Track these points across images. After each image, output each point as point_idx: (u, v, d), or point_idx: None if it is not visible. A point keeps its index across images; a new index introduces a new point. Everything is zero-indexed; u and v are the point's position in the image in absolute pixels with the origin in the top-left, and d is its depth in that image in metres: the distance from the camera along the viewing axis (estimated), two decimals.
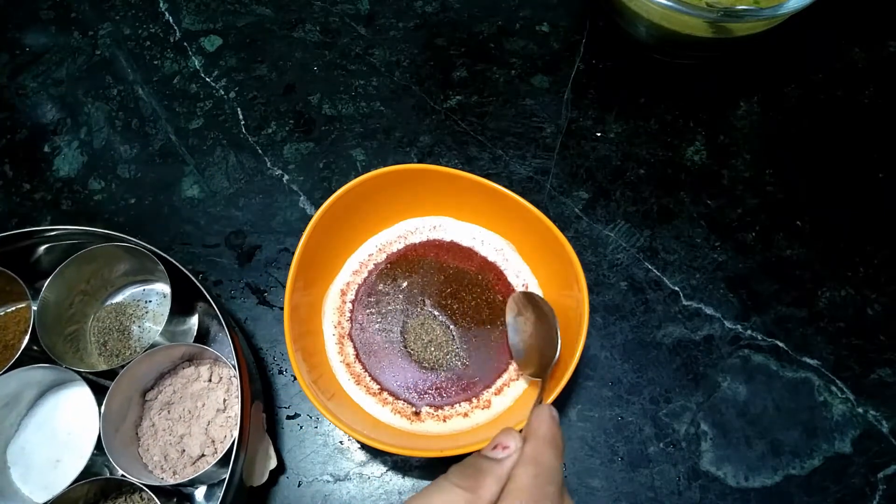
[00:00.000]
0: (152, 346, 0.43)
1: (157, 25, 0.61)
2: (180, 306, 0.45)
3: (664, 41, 0.54)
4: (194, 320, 0.47)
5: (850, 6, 0.61)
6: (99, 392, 0.41)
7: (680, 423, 0.47)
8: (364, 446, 0.46)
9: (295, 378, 0.48)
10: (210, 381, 0.45)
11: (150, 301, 0.49)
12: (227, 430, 0.44)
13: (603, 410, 0.47)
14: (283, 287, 0.42)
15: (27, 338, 0.42)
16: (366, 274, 0.48)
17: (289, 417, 0.47)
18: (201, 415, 0.44)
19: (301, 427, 0.47)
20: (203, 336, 0.47)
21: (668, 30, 0.51)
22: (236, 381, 0.40)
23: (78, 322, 0.47)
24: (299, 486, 0.45)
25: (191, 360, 0.46)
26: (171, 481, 0.42)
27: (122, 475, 0.39)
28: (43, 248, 0.46)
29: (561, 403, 0.47)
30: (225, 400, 0.44)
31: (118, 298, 0.49)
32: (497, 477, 0.29)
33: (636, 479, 0.45)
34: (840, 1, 0.60)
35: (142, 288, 0.50)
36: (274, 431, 0.47)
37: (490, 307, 0.47)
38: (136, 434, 0.44)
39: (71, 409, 0.45)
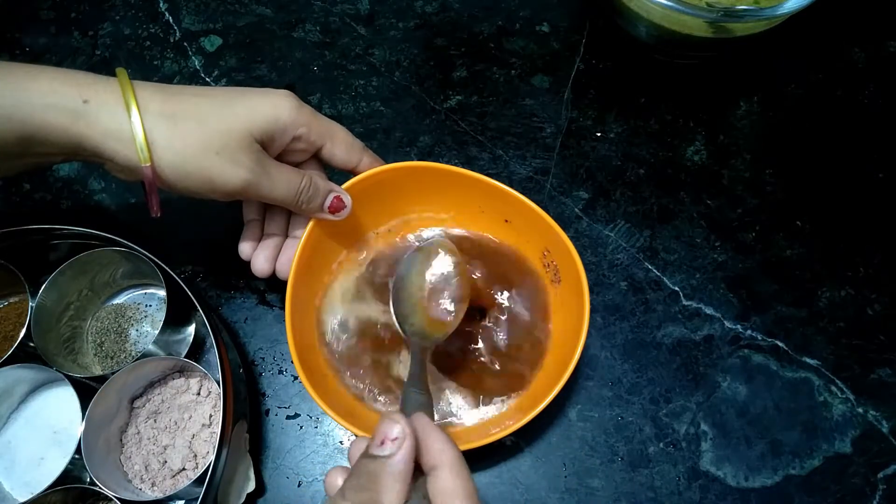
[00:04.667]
0: (143, 355, 0.42)
1: (157, 25, 0.61)
2: (177, 315, 0.45)
3: (664, 41, 0.54)
4: (191, 329, 0.47)
5: (850, 6, 0.61)
6: (89, 394, 0.41)
7: (680, 423, 0.47)
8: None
9: (295, 378, 0.48)
10: (199, 394, 0.45)
11: (150, 305, 0.49)
12: (210, 446, 0.43)
13: (603, 410, 0.47)
14: (284, 286, 0.42)
15: (24, 331, 0.42)
16: (367, 271, 0.48)
17: (289, 417, 0.47)
18: (187, 427, 0.44)
19: (301, 427, 0.47)
20: (199, 345, 0.47)
21: (668, 30, 0.51)
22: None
23: (77, 320, 0.47)
24: (299, 486, 0.45)
25: (182, 370, 0.46)
26: (149, 493, 0.42)
27: (98, 485, 0.39)
28: (45, 245, 0.46)
29: (561, 403, 0.47)
30: (211, 416, 0.44)
31: (119, 300, 0.49)
32: (393, 477, 0.26)
33: (636, 479, 0.45)
34: (840, 1, 0.60)
35: (143, 291, 0.50)
36: (273, 432, 0.47)
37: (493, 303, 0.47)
38: (121, 440, 0.44)
39: (60, 408, 0.45)
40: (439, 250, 0.42)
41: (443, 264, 0.42)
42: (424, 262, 0.42)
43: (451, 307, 0.41)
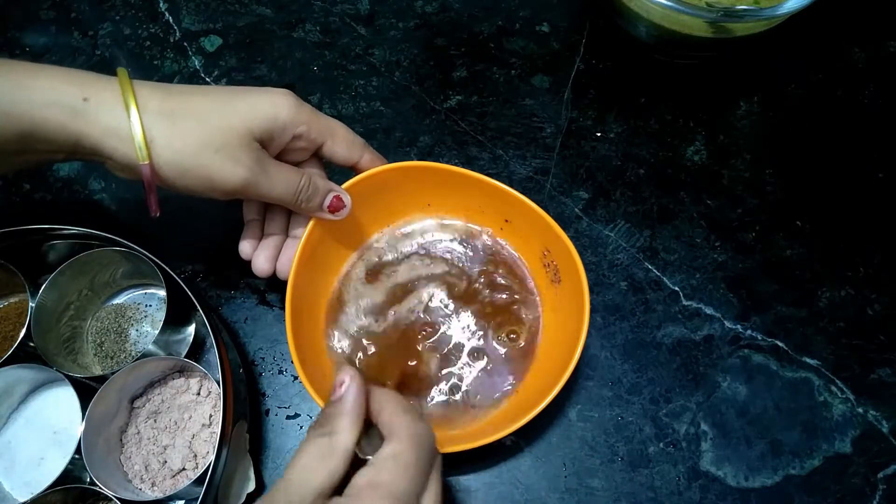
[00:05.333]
0: (143, 355, 0.42)
1: (157, 25, 0.61)
2: (177, 315, 0.45)
3: (664, 41, 0.54)
4: (191, 329, 0.47)
5: (850, 6, 0.61)
6: (89, 394, 0.41)
7: (680, 423, 0.47)
8: None
9: (295, 378, 0.48)
10: (198, 394, 0.45)
11: (150, 305, 0.49)
12: (210, 446, 0.43)
13: (603, 410, 0.47)
14: (284, 286, 0.42)
15: (24, 331, 0.42)
16: (368, 272, 0.48)
17: (289, 417, 0.47)
18: (187, 427, 0.44)
19: (301, 427, 0.47)
20: (199, 345, 0.47)
21: (668, 30, 0.51)
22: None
23: (77, 320, 0.47)
24: None
25: (182, 370, 0.46)
26: (149, 493, 0.42)
27: (98, 485, 0.39)
28: (45, 245, 0.46)
29: (561, 403, 0.47)
30: (211, 415, 0.44)
31: (119, 300, 0.49)
32: (344, 413, 0.31)
33: (636, 479, 0.45)
34: (840, 1, 0.60)
35: (143, 291, 0.50)
36: (273, 432, 0.47)
37: (494, 303, 0.47)
38: (121, 440, 0.44)
39: (60, 408, 0.45)
40: None
41: None
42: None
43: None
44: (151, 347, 0.43)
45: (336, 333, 0.46)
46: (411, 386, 0.45)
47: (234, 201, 0.41)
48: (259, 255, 0.43)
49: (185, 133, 0.36)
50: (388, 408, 0.33)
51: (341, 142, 0.42)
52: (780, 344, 0.49)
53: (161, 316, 0.48)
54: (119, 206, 0.54)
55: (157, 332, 0.43)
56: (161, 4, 0.62)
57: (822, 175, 0.55)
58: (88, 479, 0.40)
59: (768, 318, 0.50)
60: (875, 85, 0.58)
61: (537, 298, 0.47)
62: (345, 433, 0.31)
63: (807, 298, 0.50)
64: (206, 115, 0.37)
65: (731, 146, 0.56)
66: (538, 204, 0.43)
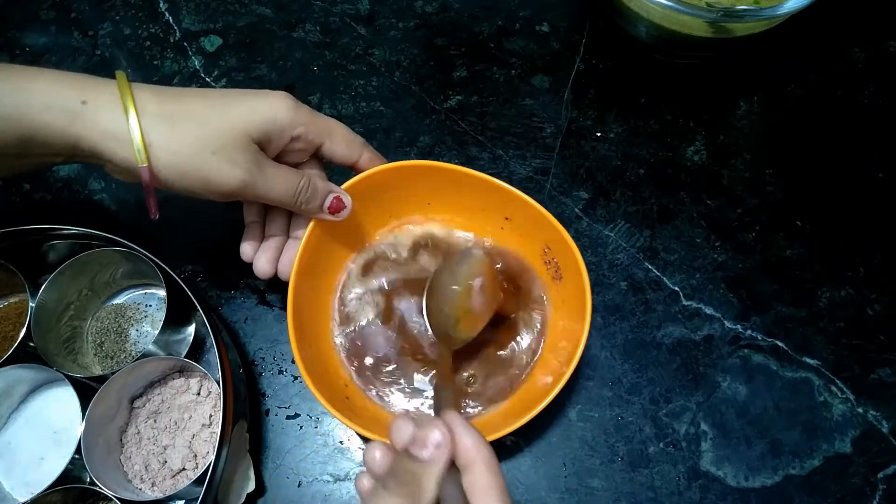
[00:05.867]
0: (143, 355, 0.42)
1: (157, 25, 0.61)
2: (177, 315, 0.45)
3: (664, 41, 0.54)
4: (191, 329, 0.47)
5: (850, 6, 0.61)
6: (89, 394, 0.41)
7: (680, 423, 0.47)
8: (365, 444, 0.46)
9: (295, 378, 0.48)
10: (199, 394, 0.45)
11: (150, 305, 0.49)
12: (210, 446, 0.43)
13: (603, 410, 0.47)
14: (284, 286, 0.42)
15: (24, 331, 0.42)
16: (368, 272, 0.48)
17: (289, 417, 0.47)
18: (187, 427, 0.44)
19: (301, 427, 0.47)
20: (199, 345, 0.47)
21: (668, 30, 0.51)
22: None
23: (77, 320, 0.47)
24: (299, 486, 0.45)
25: (182, 370, 0.46)
26: (149, 493, 0.42)
27: (98, 485, 0.39)
28: (45, 245, 0.46)
29: (561, 403, 0.47)
30: (211, 416, 0.44)
31: (119, 300, 0.49)
32: (436, 478, 0.28)
33: (636, 479, 0.45)
34: (840, 1, 0.60)
35: (143, 291, 0.50)
36: (273, 432, 0.47)
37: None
38: (121, 440, 0.44)
39: (60, 408, 0.45)
40: (479, 257, 0.43)
41: (482, 268, 0.43)
42: (466, 264, 0.43)
43: (484, 305, 0.43)
44: (151, 347, 0.43)
45: (338, 333, 0.46)
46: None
47: (233, 202, 0.41)
48: (260, 256, 0.43)
49: (183, 135, 0.36)
50: (482, 479, 0.28)
51: (340, 141, 0.43)
52: (780, 344, 0.49)
53: (161, 316, 0.48)
54: (119, 206, 0.54)
55: (157, 332, 0.43)
56: (161, 4, 0.62)
57: (822, 175, 0.55)
58: (88, 479, 0.40)
59: (768, 318, 0.50)
60: (875, 85, 0.58)
61: (543, 297, 0.47)
62: (432, 499, 0.28)
63: (807, 298, 0.50)
64: (205, 118, 0.37)
65: (731, 146, 0.56)
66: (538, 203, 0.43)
